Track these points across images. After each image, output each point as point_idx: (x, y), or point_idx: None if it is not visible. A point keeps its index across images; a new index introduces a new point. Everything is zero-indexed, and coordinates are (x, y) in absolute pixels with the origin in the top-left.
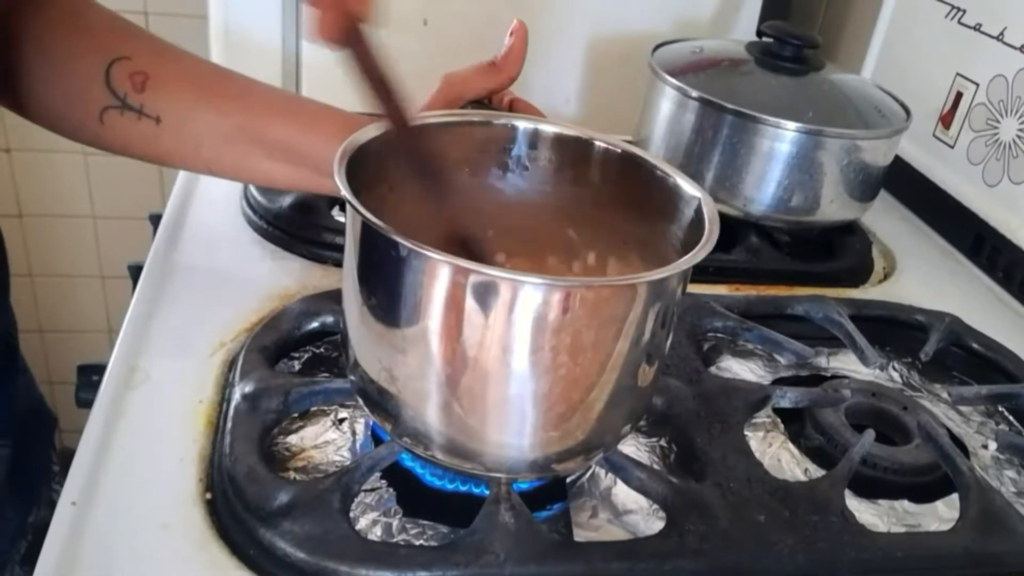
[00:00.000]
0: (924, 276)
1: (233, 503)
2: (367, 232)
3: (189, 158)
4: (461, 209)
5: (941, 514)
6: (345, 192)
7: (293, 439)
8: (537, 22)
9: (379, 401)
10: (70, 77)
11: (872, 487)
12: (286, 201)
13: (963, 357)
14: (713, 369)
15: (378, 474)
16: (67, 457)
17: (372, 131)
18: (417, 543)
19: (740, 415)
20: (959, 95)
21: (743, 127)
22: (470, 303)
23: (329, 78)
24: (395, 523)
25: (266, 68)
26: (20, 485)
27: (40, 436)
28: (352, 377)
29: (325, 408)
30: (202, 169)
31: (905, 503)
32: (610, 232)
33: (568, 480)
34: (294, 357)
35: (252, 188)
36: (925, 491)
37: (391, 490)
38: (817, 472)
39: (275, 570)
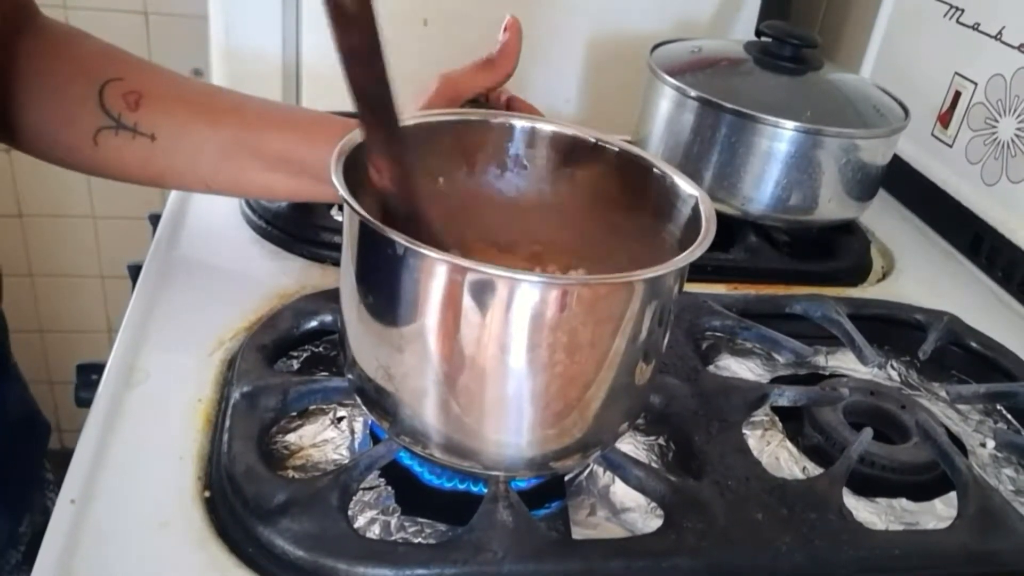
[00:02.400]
0: (923, 275)
1: (232, 501)
2: (364, 231)
3: (186, 176)
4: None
5: (939, 512)
6: (342, 191)
7: (292, 437)
8: (536, 22)
9: (377, 399)
10: (63, 102)
11: (870, 485)
12: (285, 201)
13: (961, 356)
14: (711, 368)
15: (376, 472)
16: (67, 456)
17: None
18: (415, 541)
19: (738, 413)
20: (957, 94)
21: (742, 127)
22: (467, 301)
23: (329, 81)
24: (393, 521)
25: (266, 72)
26: (7, 496)
27: (31, 445)
28: (350, 376)
29: (324, 407)
30: (200, 187)
31: (903, 501)
32: (607, 230)
33: (566, 478)
34: (293, 356)
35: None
36: (923, 489)
37: (389, 488)
38: (815, 470)
39: (274, 568)
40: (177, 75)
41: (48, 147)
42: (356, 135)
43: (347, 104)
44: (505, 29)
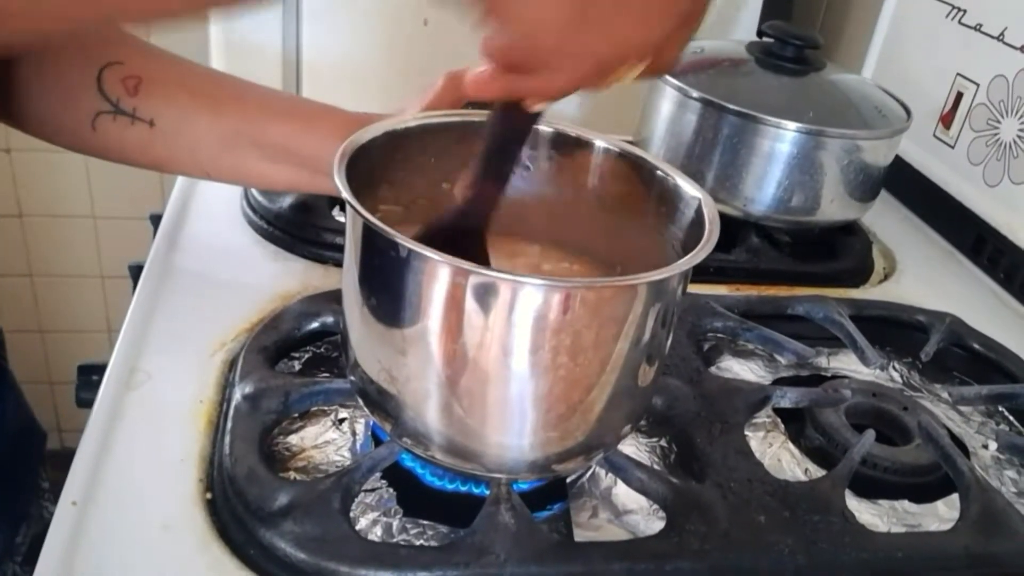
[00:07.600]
0: (925, 276)
1: (233, 503)
2: (367, 233)
3: (186, 163)
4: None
5: (941, 514)
6: (345, 193)
7: (293, 439)
8: None
9: (379, 401)
10: (63, 85)
11: (872, 487)
12: (286, 201)
13: (963, 357)
14: (713, 369)
15: (378, 474)
16: (67, 456)
17: (372, 131)
18: (417, 543)
19: (740, 415)
20: (959, 95)
21: (744, 127)
22: (470, 304)
23: (329, 78)
24: (395, 523)
25: (266, 68)
26: (6, 506)
27: (28, 454)
28: (352, 377)
29: (325, 408)
30: (199, 174)
31: (905, 503)
32: (610, 232)
33: (568, 480)
34: (294, 357)
35: (252, 188)
36: (925, 491)
37: (391, 490)
38: (817, 472)
39: (275, 570)
40: (181, 60)
41: (53, 130)
42: (359, 135)
43: (346, 101)
44: None
